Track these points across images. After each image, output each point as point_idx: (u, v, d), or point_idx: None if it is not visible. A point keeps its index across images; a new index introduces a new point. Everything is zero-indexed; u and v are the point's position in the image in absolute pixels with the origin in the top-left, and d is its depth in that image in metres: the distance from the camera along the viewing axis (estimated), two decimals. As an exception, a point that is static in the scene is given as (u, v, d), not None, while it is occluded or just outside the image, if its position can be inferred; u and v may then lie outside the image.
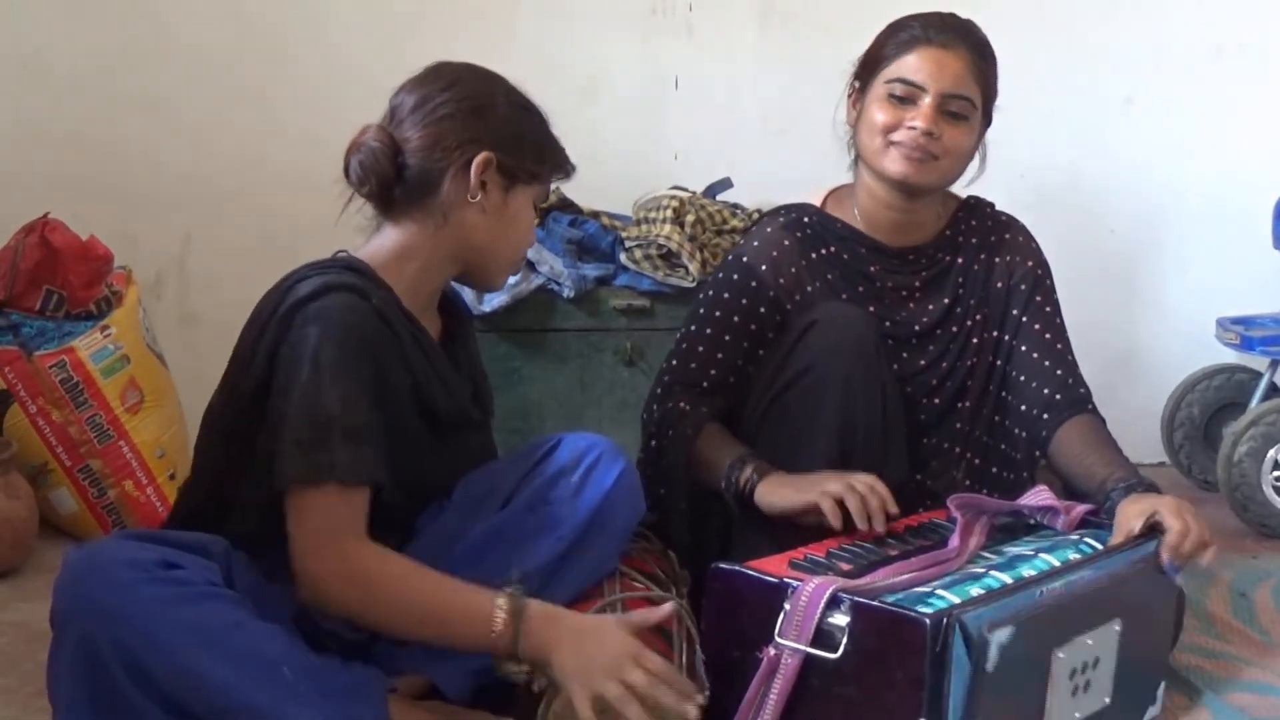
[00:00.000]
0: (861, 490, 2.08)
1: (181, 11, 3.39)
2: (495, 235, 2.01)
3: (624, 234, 3.18)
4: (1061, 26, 3.54)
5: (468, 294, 2.80)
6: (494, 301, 3.02)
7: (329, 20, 3.38)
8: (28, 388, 2.86)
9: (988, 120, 2.38)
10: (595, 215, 3.26)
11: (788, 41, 3.45)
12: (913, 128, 2.27)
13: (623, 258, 3.15)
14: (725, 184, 3.37)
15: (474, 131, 1.95)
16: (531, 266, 3.07)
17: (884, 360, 2.25)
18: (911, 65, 2.28)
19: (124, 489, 2.93)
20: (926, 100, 2.27)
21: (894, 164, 2.30)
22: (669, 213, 3.15)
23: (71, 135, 3.33)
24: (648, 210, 3.20)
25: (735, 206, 3.31)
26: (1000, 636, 1.74)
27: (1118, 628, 1.95)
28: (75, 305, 2.97)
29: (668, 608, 1.89)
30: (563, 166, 2.09)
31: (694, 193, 3.30)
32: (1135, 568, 2.04)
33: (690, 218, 3.15)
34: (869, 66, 2.36)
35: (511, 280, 3.02)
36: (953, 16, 2.35)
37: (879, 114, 2.30)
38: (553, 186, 3.20)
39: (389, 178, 1.96)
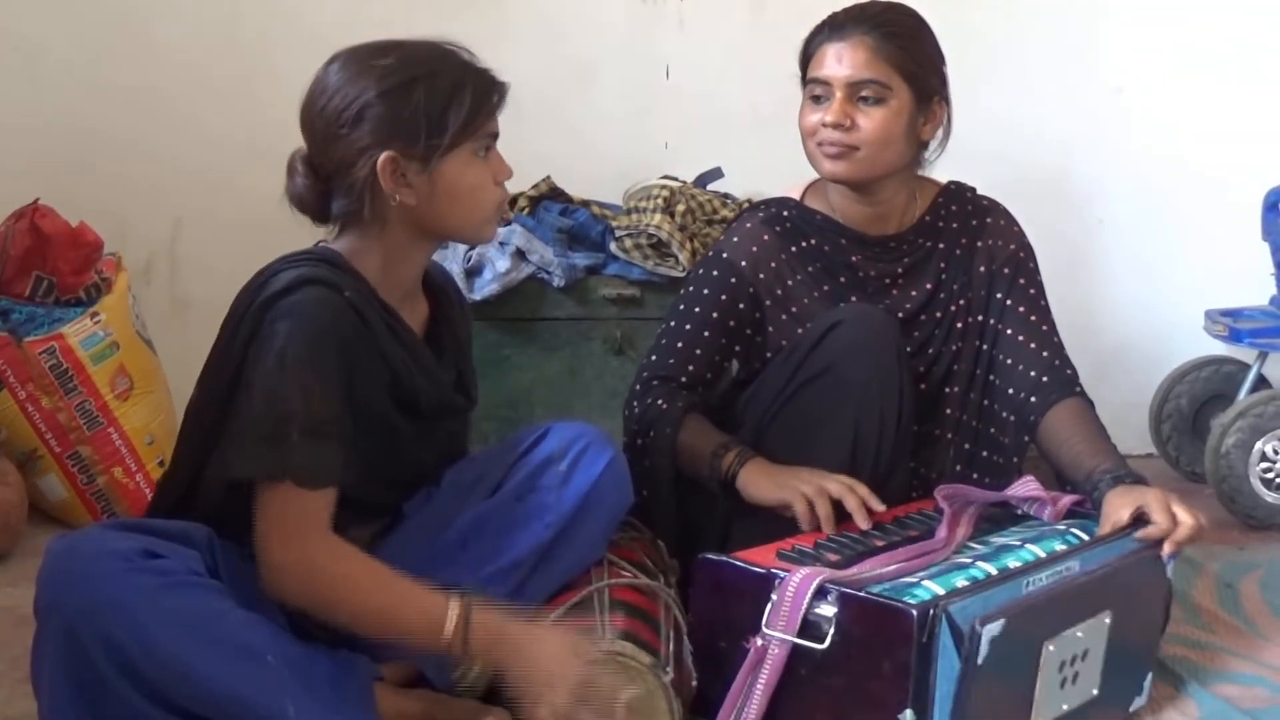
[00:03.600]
0: (835, 492, 2.09)
1: (172, -3, 3.39)
2: (442, 212, 1.94)
3: (614, 223, 3.18)
4: (1051, 16, 3.54)
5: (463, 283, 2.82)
6: (485, 290, 3.02)
7: (320, 6, 3.37)
8: (17, 374, 2.86)
9: (924, 92, 2.35)
10: (586, 204, 3.26)
11: (779, 31, 3.40)
12: (825, 124, 2.31)
13: (613, 247, 3.15)
14: (716, 173, 3.37)
15: (364, 140, 1.88)
16: (522, 255, 3.08)
17: (904, 366, 2.25)
18: (817, 64, 2.34)
19: (113, 476, 2.93)
20: (836, 94, 2.30)
21: (821, 165, 2.35)
22: (659, 202, 3.15)
23: (61, 121, 3.32)
24: (638, 200, 3.20)
25: (726, 196, 3.31)
26: (991, 630, 1.75)
27: (1108, 620, 1.96)
28: (65, 291, 2.97)
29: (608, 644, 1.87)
30: (478, 105, 1.91)
31: (685, 182, 3.30)
32: (1127, 560, 2.05)
33: (681, 207, 3.15)
34: (802, 74, 2.40)
35: (502, 269, 3.02)
36: (862, 7, 2.38)
37: (804, 117, 2.36)
38: (544, 176, 3.26)
39: (323, 209, 1.96)
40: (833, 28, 2.34)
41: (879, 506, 2.11)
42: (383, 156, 1.87)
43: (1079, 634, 1.92)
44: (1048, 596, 1.88)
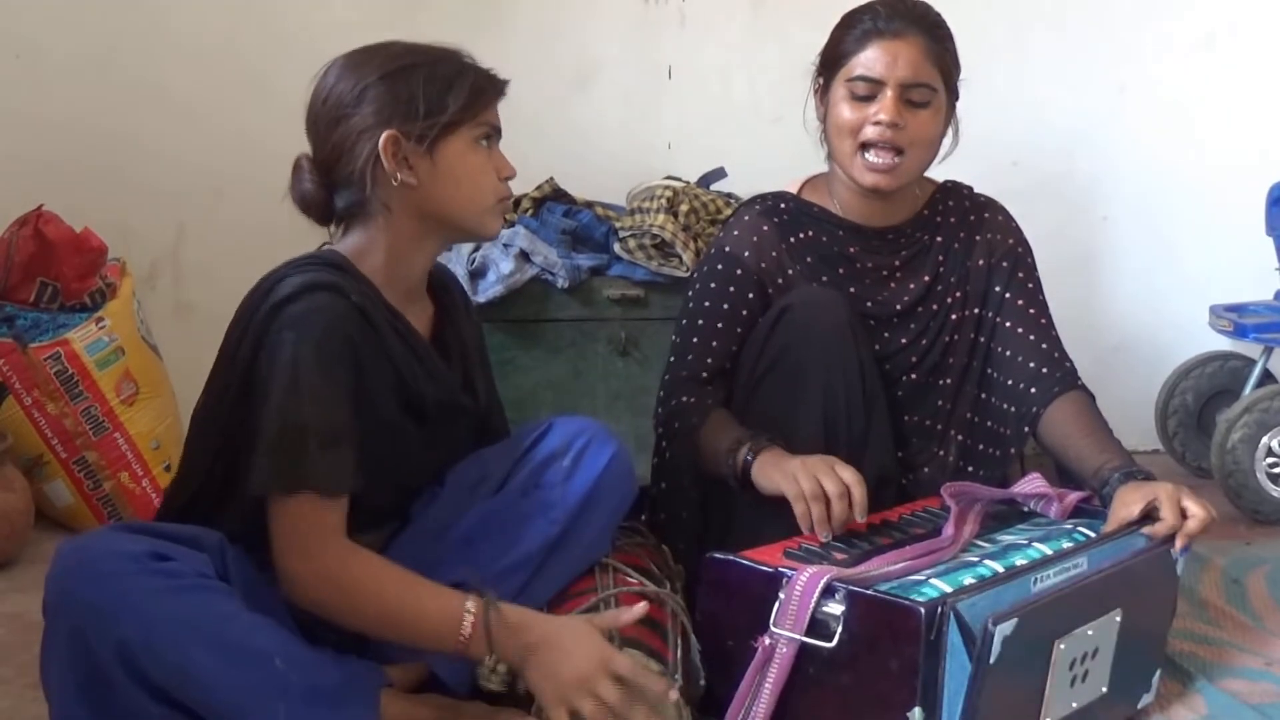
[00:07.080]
0: (831, 492, 2.06)
1: None
2: (445, 196, 1.95)
3: (618, 224, 3.18)
4: (1053, 14, 3.54)
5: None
6: (489, 292, 3.02)
7: (324, 9, 3.37)
8: (23, 380, 2.86)
9: (954, 95, 2.37)
10: (589, 205, 3.26)
11: (780, 29, 3.46)
12: (877, 121, 2.27)
13: (617, 248, 3.15)
14: (719, 174, 3.37)
15: (366, 120, 1.91)
16: (526, 257, 3.08)
17: (859, 338, 2.26)
18: (868, 60, 2.28)
19: (120, 481, 2.93)
20: (887, 93, 2.27)
21: (863, 176, 2.31)
22: (663, 202, 3.15)
23: (65, 127, 3.32)
24: (641, 200, 3.20)
25: (729, 196, 3.31)
26: (1004, 629, 1.74)
27: (1118, 618, 1.96)
28: (70, 297, 2.97)
29: (639, 608, 1.88)
30: (478, 91, 1.96)
31: (688, 182, 3.30)
32: (1138, 557, 2.04)
33: (684, 207, 3.15)
34: (829, 63, 2.36)
35: (506, 270, 3.02)
36: (906, 5, 2.33)
37: (844, 114, 2.31)
38: (547, 177, 3.26)
39: (327, 208, 1.97)
40: (880, 22, 2.29)
41: (860, 519, 2.07)
42: (384, 135, 1.90)
43: (1090, 632, 1.91)
44: (1060, 595, 1.88)
